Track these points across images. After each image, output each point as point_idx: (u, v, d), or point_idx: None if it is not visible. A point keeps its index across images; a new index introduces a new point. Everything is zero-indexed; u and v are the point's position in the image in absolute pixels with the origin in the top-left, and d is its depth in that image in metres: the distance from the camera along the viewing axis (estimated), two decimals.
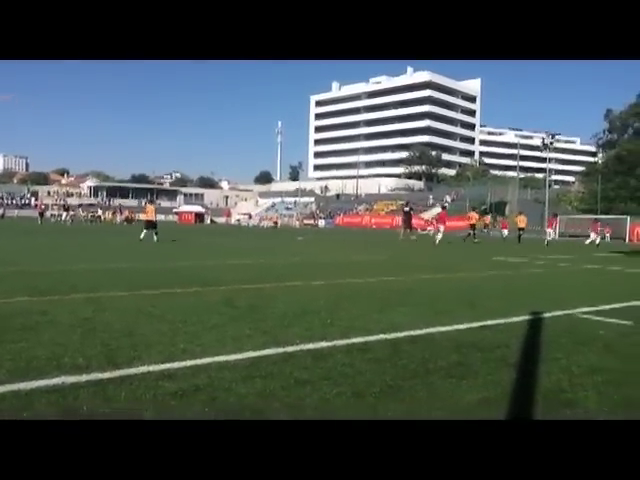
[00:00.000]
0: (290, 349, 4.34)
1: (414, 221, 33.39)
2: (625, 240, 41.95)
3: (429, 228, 38.76)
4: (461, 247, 24.30)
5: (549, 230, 32.37)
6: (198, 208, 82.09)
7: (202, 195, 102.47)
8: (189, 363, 3.86)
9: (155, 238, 19.97)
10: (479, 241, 28.86)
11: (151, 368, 3.70)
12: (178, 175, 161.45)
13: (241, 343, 4.48)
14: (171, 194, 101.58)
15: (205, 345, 4.39)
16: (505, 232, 33.96)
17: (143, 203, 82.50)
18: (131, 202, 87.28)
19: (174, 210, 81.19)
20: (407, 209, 30.03)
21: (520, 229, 31.20)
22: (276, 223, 61.24)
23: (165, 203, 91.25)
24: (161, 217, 71.70)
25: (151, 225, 20.80)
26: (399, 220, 33.75)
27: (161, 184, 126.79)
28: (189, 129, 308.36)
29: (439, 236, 26.38)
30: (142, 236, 20.24)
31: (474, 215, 30.98)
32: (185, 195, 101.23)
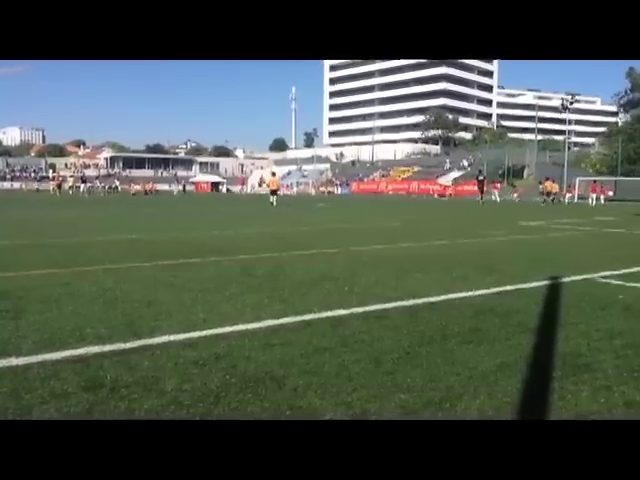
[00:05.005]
0: (308, 317, 4.38)
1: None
2: None
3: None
4: (480, 211, 24.13)
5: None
6: (214, 177, 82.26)
7: (217, 164, 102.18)
8: (209, 332, 3.91)
9: (275, 203, 26.52)
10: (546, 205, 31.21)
11: (172, 337, 3.76)
12: (193, 144, 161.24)
13: (260, 312, 4.53)
14: (187, 163, 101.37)
15: (224, 314, 4.45)
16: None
17: (160, 173, 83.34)
18: (147, 172, 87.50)
19: (190, 179, 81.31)
20: (481, 178, 35.04)
21: (550, 193, 33.71)
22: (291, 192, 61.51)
23: (181, 172, 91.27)
24: (178, 187, 72.31)
25: (274, 192, 27.96)
26: (474, 187, 39.30)
27: (176, 154, 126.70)
28: (203, 98, 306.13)
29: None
30: (272, 201, 26.75)
31: (550, 184, 34.24)
32: (200, 164, 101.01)
